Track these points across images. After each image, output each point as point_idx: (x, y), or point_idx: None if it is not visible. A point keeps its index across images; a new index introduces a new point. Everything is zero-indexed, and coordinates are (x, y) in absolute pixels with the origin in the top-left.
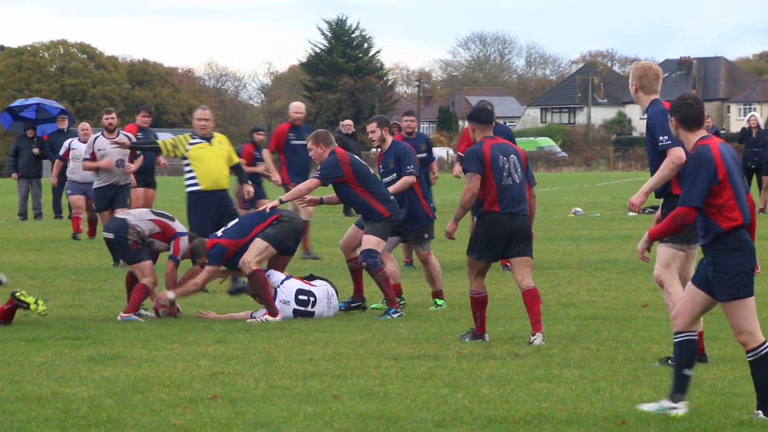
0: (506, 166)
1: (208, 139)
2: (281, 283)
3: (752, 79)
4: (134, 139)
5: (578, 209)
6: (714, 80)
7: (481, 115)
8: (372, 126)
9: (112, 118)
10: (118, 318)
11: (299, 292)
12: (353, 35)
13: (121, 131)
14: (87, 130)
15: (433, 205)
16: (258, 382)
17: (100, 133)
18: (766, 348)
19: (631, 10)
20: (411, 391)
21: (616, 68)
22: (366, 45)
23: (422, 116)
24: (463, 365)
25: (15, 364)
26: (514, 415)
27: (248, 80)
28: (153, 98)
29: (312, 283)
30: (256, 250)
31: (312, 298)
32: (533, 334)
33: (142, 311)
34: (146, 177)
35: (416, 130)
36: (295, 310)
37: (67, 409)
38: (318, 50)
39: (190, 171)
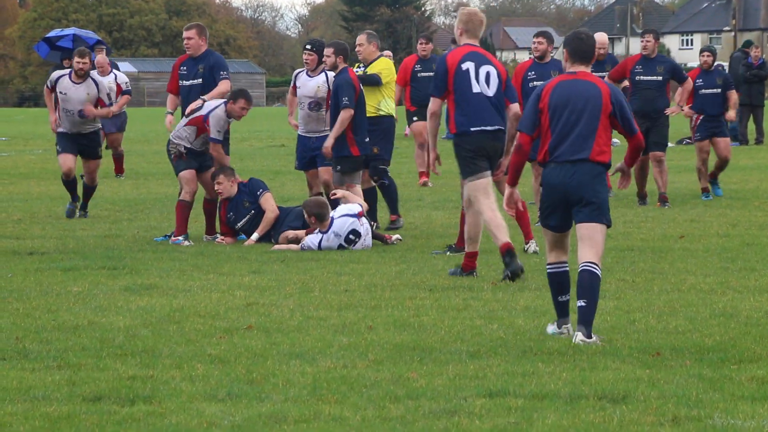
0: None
1: None
2: (343, 215)
3: None
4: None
5: (616, 141)
6: (754, 10)
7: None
8: (328, 51)
9: (85, 62)
10: (170, 242)
11: (351, 232)
12: None
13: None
14: (103, 66)
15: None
16: (293, 312)
17: (66, 73)
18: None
19: None
20: (445, 323)
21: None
22: None
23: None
24: (498, 296)
25: (52, 293)
26: (549, 347)
27: (285, 11)
28: None
29: (362, 221)
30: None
31: (357, 239)
32: (526, 243)
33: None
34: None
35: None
36: (340, 245)
37: (103, 339)
38: None
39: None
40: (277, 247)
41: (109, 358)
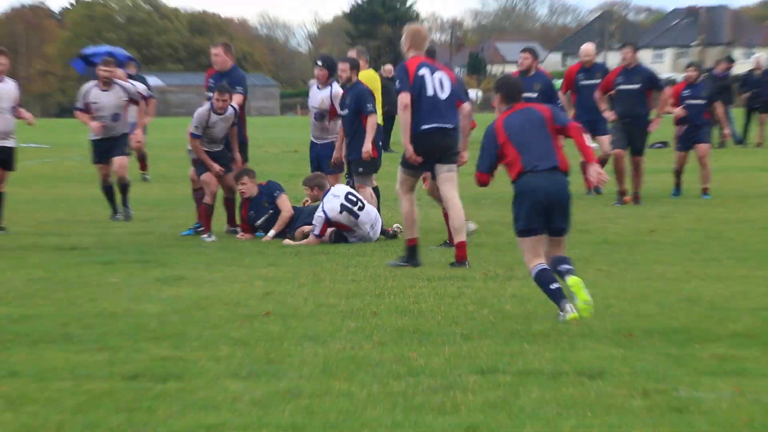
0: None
1: None
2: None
3: (754, 25)
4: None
5: (595, 144)
6: (719, 26)
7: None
8: (344, 66)
9: (108, 70)
10: (201, 238)
11: (349, 193)
12: None
13: (116, 81)
14: (123, 76)
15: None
16: (306, 300)
17: (94, 84)
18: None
19: None
20: (442, 308)
21: (630, 16)
22: None
23: (454, 62)
24: (489, 285)
25: (92, 284)
26: (534, 330)
27: (296, 29)
28: (208, 46)
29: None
30: None
31: (360, 204)
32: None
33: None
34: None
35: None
36: (342, 205)
37: (138, 324)
38: (359, 1)
39: None
40: (287, 241)
41: (143, 341)
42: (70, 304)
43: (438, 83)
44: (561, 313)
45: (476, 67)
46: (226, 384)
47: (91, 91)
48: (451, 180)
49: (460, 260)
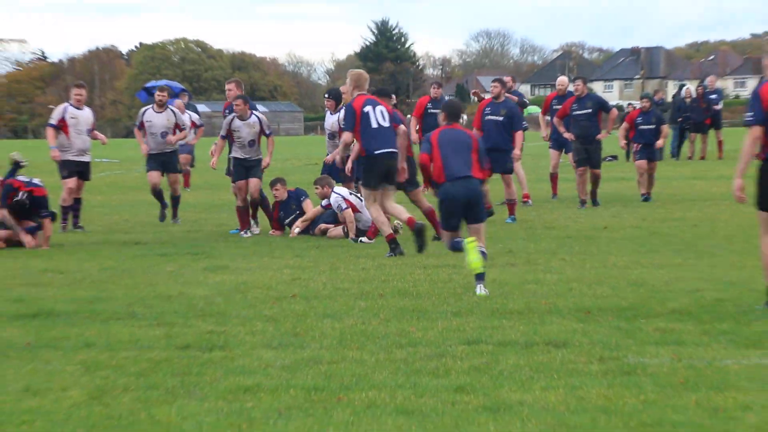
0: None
1: None
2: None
3: (683, 62)
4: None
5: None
6: (656, 63)
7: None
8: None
9: (163, 95)
10: (241, 234)
11: (350, 192)
12: (394, 32)
13: (170, 105)
14: (180, 108)
15: None
16: (325, 285)
17: (150, 107)
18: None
19: (598, 12)
20: (435, 291)
21: (585, 55)
22: (403, 39)
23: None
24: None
25: (152, 272)
26: (510, 308)
27: (317, 65)
28: (248, 80)
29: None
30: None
31: (358, 195)
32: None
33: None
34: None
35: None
36: (349, 192)
37: (189, 304)
38: (368, 43)
39: None
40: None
41: (193, 318)
42: (134, 288)
43: (380, 115)
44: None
45: (462, 96)
46: (260, 353)
47: (147, 112)
48: (390, 196)
49: (412, 224)
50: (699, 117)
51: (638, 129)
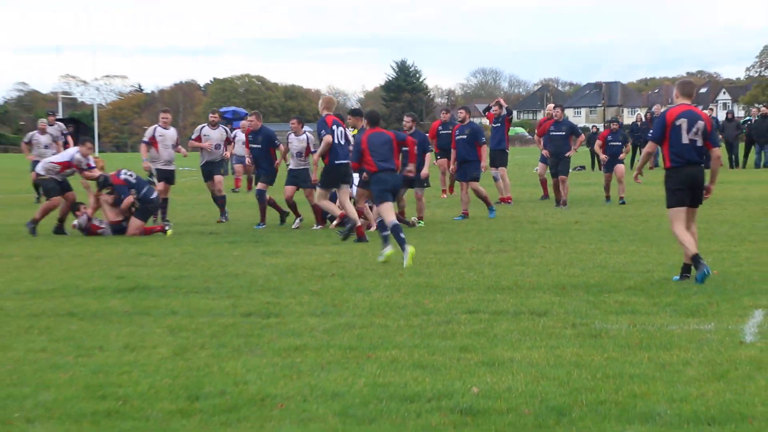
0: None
1: None
2: None
3: (636, 93)
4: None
5: (537, 168)
6: (614, 94)
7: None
8: (407, 119)
9: (215, 116)
10: (292, 227)
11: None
12: (410, 69)
13: (221, 124)
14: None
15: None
16: (357, 266)
17: (206, 124)
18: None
19: (570, 54)
20: (443, 272)
21: (560, 88)
22: (417, 75)
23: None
24: (474, 256)
25: (222, 256)
26: (503, 285)
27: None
28: (297, 106)
29: None
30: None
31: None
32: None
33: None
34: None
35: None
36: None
37: (251, 281)
38: (390, 78)
39: None
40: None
41: (254, 291)
42: (208, 268)
43: (341, 135)
44: (383, 251)
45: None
46: (306, 320)
47: (204, 128)
48: (347, 192)
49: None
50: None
51: (608, 144)
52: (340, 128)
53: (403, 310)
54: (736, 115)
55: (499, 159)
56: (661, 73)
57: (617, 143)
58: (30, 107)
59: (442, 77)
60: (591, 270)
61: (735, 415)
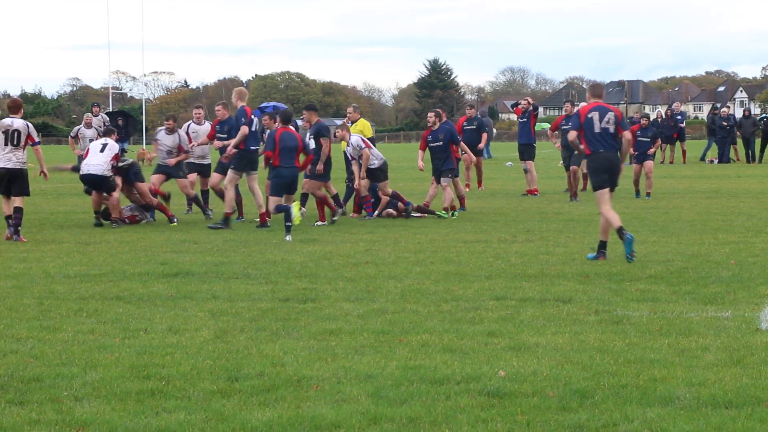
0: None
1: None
2: None
3: (657, 91)
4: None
5: (510, 163)
6: (636, 92)
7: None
8: (431, 115)
9: (199, 114)
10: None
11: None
12: (442, 67)
13: (207, 121)
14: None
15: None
16: (389, 254)
17: (191, 122)
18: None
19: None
20: (472, 260)
21: (584, 86)
22: (449, 72)
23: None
24: (501, 246)
25: (261, 243)
26: (529, 273)
27: (385, 91)
28: (334, 102)
29: None
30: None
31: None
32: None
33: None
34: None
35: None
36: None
37: (289, 267)
38: (423, 76)
39: None
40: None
41: (292, 278)
42: (248, 255)
43: (256, 124)
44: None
45: (492, 115)
46: (341, 305)
47: (190, 125)
48: (255, 179)
49: (263, 222)
50: (668, 132)
51: (637, 140)
52: (255, 119)
53: (434, 296)
54: (752, 113)
55: (527, 153)
56: (681, 72)
57: (646, 139)
58: (82, 101)
59: (472, 75)
60: (613, 259)
61: (751, 398)
